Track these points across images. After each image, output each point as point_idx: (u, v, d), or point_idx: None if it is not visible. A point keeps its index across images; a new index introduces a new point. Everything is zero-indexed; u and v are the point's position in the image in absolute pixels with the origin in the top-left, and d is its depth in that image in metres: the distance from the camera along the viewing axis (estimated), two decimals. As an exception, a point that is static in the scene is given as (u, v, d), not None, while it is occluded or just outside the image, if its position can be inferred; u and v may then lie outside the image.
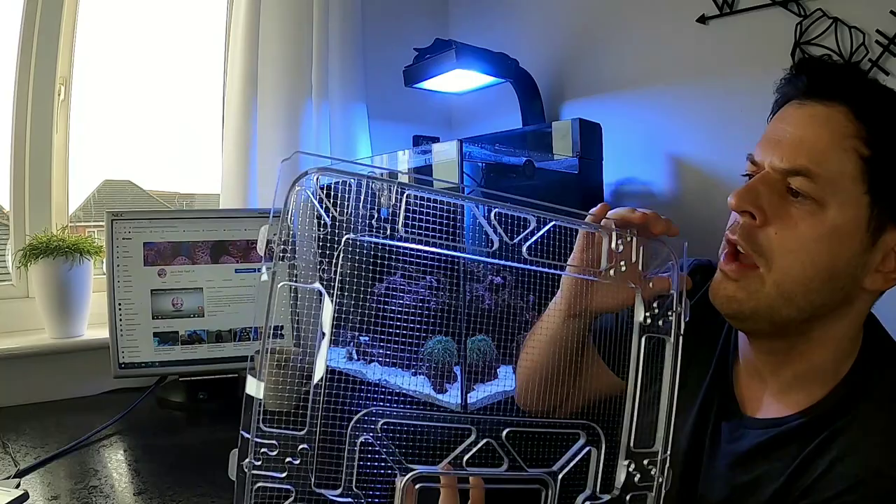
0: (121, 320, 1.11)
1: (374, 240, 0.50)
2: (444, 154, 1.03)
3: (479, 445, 0.51)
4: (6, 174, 1.26)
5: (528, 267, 0.53)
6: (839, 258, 0.54)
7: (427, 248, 0.51)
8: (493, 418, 0.52)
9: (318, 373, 0.47)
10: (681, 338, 0.55)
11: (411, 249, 0.51)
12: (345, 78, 1.41)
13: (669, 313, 0.55)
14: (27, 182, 1.26)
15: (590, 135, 1.20)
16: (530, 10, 1.55)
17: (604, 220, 0.58)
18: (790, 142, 0.57)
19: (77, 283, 1.18)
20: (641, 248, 0.56)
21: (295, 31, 1.35)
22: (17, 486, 0.75)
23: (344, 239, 0.50)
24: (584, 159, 1.19)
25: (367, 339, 0.92)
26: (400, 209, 0.50)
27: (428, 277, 0.90)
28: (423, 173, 1.13)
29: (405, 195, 0.50)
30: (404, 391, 0.85)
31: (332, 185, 0.51)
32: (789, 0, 1.06)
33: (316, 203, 0.49)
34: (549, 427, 0.54)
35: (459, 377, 0.97)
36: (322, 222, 0.50)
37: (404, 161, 1.19)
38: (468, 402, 0.95)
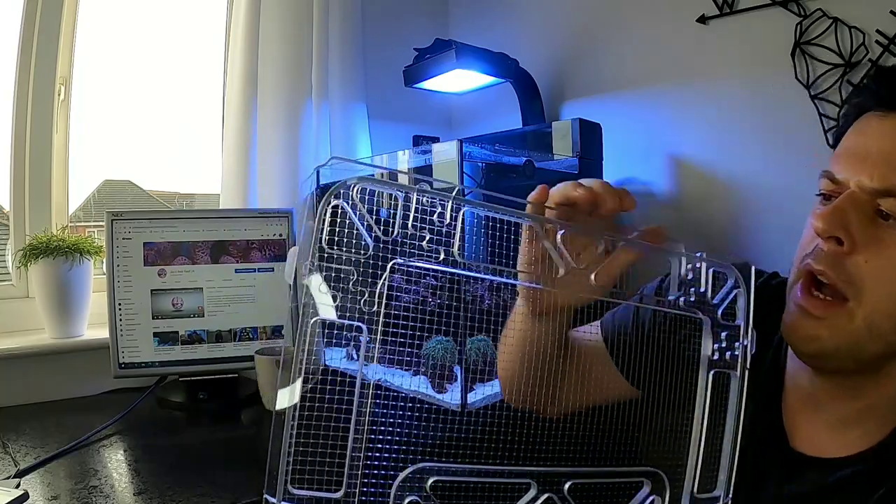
0: (121, 320, 1.11)
1: (427, 266, 0.43)
2: (444, 154, 1.03)
3: (540, 501, 0.47)
4: (6, 174, 1.26)
5: (600, 299, 0.49)
6: None
7: (489, 277, 0.46)
8: (553, 470, 0.48)
9: (355, 426, 0.41)
10: (747, 372, 0.50)
11: (471, 277, 0.46)
12: (345, 78, 1.41)
13: (736, 345, 0.51)
14: (27, 182, 1.26)
15: (590, 135, 1.20)
16: (530, 10, 1.55)
17: (642, 235, 0.52)
18: (878, 158, 0.51)
19: (77, 283, 1.18)
20: (712, 273, 0.50)
21: (295, 31, 1.35)
22: (17, 486, 0.75)
23: (390, 264, 0.43)
24: (584, 159, 1.19)
25: (367, 338, 0.91)
26: (456, 229, 0.43)
27: (427, 277, 0.90)
28: (423, 173, 1.13)
29: (462, 213, 0.43)
30: (409, 391, 0.84)
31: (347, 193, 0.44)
32: (789, 0, 1.06)
33: (356, 220, 0.42)
34: (614, 476, 0.50)
35: (459, 377, 0.97)
36: (363, 243, 0.42)
37: (404, 161, 1.19)
38: (468, 401, 0.95)
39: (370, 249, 0.42)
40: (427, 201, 0.43)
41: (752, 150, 1.14)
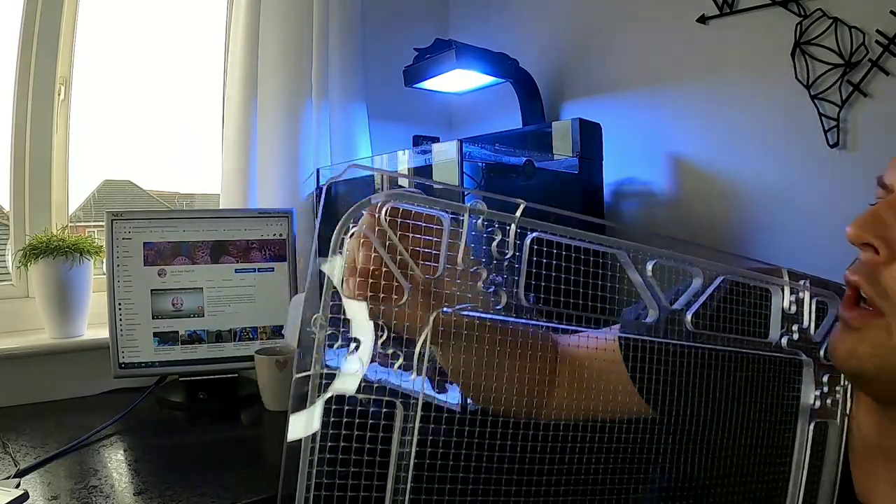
0: (121, 320, 1.11)
1: (484, 315, 0.34)
2: (444, 154, 1.03)
3: None
4: (6, 174, 1.26)
5: (696, 345, 0.40)
6: None
7: (569, 327, 0.36)
8: None
9: None
10: (847, 419, 0.44)
11: (541, 326, 0.36)
12: (345, 78, 1.41)
13: (837, 388, 0.44)
14: (27, 182, 1.26)
15: (590, 135, 1.20)
16: (530, 10, 1.55)
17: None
18: None
19: (77, 283, 1.18)
20: (815, 304, 0.42)
21: (295, 31, 1.35)
22: (17, 486, 0.75)
23: (433, 315, 0.32)
24: (584, 159, 1.19)
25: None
26: (522, 263, 0.33)
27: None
28: (422, 174, 1.13)
29: (529, 240, 0.32)
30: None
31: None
32: (789, 0, 1.06)
33: (384, 255, 0.31)
34: None
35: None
36: (395, 285, 0.32)
37: (404, 161, 1.19)
38: (468, 401, 0.95)
39: (405, 294, 0.31)
40: (482, 225, 0.32)
41: (752, 149, 1.14)
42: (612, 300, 0.39)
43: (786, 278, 0.41)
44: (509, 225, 0.32)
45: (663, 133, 1.27)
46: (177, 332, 1.14)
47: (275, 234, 1.20)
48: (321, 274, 0.31)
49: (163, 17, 1.48)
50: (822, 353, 0.43)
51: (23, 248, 1.16)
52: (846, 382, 0.44)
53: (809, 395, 0.44)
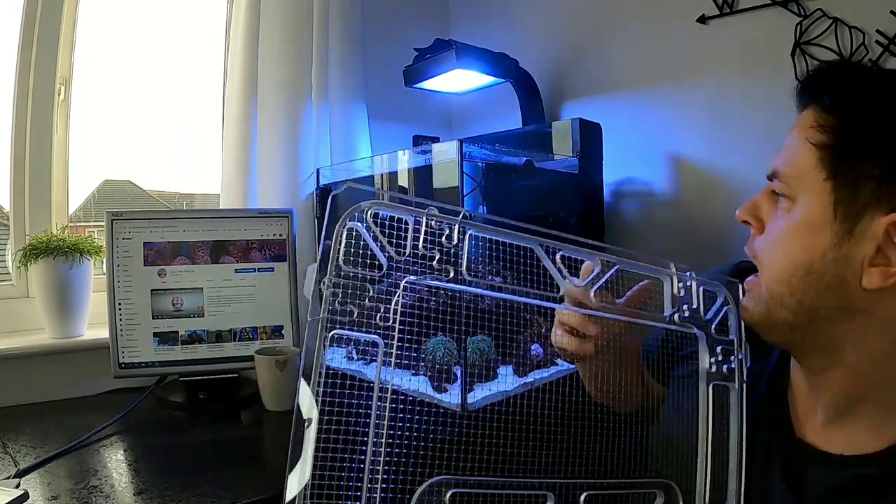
0: (121, 320, 1.11)
1: (437, 284, 0.48)
2: (444, 154, 1.03)
3: None
4: (6, 174, 1.26)
5: (596, 313, 0.54)
6: (814, 252, 0.52)
7: (495, 294, 0.50)
8: (570, 482, 0.51)
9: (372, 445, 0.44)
10: (745, 385, 0.54)
11: (477, 293, 0.50)
12: (345, 78, 1.41)
13: (732, 358, 0.54)
14: (27, 182, 1.26)
15: (590, 135, 1.21)
16: (530, 10, 1.55)
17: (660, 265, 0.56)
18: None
19: (77, 283, 1.18)
20: (702, 291, 0.54)
21: (295, 31, 1.35)
22: (17, 486, 0.75)
23: (403, 282, 0.47)
24: (584, 159, 1.19)
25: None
26: (463, 250, 0.48)
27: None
28: (422, 174, 1.13)
29: (468, 235, 0.48)
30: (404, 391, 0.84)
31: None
32: (789, 0, 1.06)
33: (370, 241, 0.46)
34: (629, 488, 0.53)
35: (459, 377, 0.97)
36: (377, 263, 0.46)
37: (404, 161, 1.19)
38: (467, 402, 0.95)
39: (384, 268, 0.46)
40: (436, 224, 0.47)
41: (752, 149, 1.14)
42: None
43: (673, 269, 0.55)
44: (454, 224, 0.48)
45: (663, 133, 1.27)
46: (177, 332, 1.14)
47: (275, 234, 1.20)
48: (327, 252, 0.45)
49: (163, 17, 1.48)
50: (713, 328, 0.55)
51: (23, 248, 1.16)
52: (740, 354, 0.55)
53: (706, 362, 0.55)
